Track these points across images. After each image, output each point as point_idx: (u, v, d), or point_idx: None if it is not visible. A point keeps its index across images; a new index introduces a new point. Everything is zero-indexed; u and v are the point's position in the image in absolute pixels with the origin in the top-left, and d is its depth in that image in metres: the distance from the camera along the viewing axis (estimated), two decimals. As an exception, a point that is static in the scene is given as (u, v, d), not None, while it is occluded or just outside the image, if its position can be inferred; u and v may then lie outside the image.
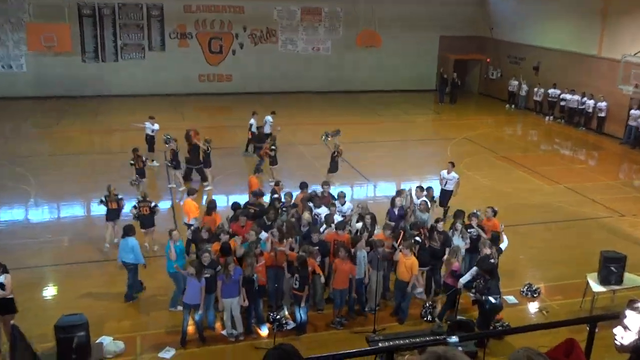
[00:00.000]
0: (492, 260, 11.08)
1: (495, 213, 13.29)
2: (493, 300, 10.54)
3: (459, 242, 12.17)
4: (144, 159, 17.61)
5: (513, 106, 33.74)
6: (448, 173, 15.81)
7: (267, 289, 11.61)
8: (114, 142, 24.47)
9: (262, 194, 14.38)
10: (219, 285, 10.75)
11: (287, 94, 35.34)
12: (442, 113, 33.14)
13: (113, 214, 14.32)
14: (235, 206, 13.40)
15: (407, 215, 13.29)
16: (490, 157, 23.77)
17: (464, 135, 27.04)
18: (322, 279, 11.54)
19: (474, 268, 11.03)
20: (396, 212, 13.45)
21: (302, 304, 11.17)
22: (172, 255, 11.45)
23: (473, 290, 10.71)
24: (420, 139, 26.34)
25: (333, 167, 18.84)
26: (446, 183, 15.84)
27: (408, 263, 11.45)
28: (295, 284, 11.14)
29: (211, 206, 13.33)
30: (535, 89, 31.74)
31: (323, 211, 13.20)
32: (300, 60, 35.81)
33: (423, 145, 25.48)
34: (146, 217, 14.02)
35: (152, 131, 21.31)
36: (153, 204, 14.21)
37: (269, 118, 22.65)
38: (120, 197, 14.43)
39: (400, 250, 11.54)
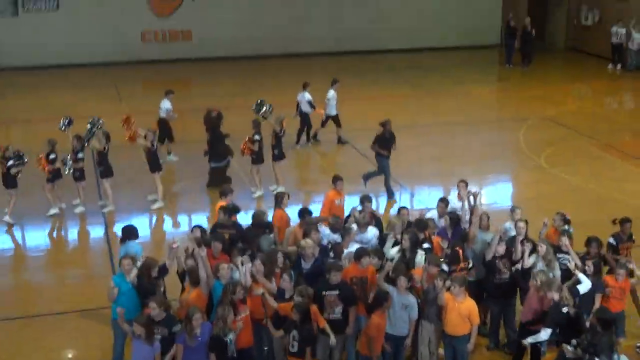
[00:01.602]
0: (564, 310, 11.17)
1: (567, 223, 13.37)
2: None
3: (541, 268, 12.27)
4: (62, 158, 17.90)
5: (619, 66, 33.74)
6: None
7: (252, 355, 11.64)
8: (12, 140, 24.50)
9: (236, 210, 14.49)
10: (180, 351, 10.79)
11: (275, 58, 35.42)
12: (510, 80, 33.11)
13: None
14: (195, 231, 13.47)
15: (468, 236, 13.33)
16: (585, 145, 23.76)
17: (545, 114, 27.04)
18: (332, 339, 11.55)
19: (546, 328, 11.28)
20: (449, 233, 13.49)
21: None
22: (110, 294, 11.62)
23: (572, 346, 10.75)
24: (478, 121, 26.34)
25: (280, 155, 19.52)
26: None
27: (463, 309, 11.50)
28: (292, 347, 11.19)
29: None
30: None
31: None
32: (295, 6, 36.03)
33: (483, 130, 25.46)
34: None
35: (166, 112, 21.98)
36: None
37: (332, 93, 23.07)
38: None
39: (448, 289, 11.57)
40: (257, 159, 19.43)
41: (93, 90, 29.97)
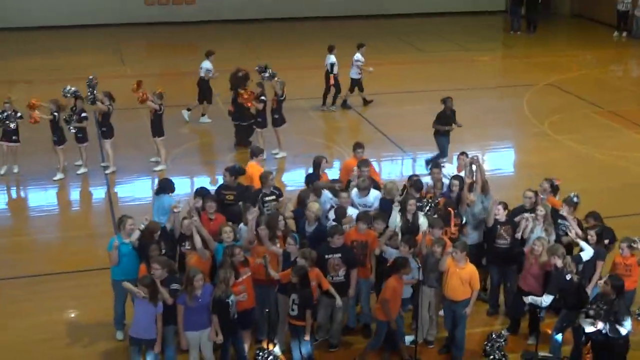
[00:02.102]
0: (568, 277, 11.18)
1: (555, 189, 13.32)
2: (625, 331, 10.56)
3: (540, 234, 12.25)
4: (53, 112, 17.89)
5: (624, 34, 33.57)
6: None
7: (254, 317, 11.67)
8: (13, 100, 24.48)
9: (242, 172, 14.45)
10: (180, 312, 10.83)
11: (282, 22, 35.29)
12: (515, 47, 32.98)
13: None
14: (201, 194, 13.44)
15: (461, 200, 13.31)
16: (589, 112, 23.70)
17: (549, 80, 26.94)
18: (338, 301, 11.59)
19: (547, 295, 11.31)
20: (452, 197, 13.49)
21: (305, 338, 11.22)
22: (112, 257, 11.65)
23: (590, 319, 10.70)
24: (482, 87, 26.25)
25: (280, 120, 19.57)
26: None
27: (464, 274, 11.52)
28: (293, 310, 11.23)
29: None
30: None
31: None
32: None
33: (488, 96, 25.39)
34: None
35: (205, 72, 21.89)
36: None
37: (358, 56, 23.04)
38: None
39: (452, 255, 11.59)
40: (262, 122, 19.36)
41: (95, 52, 29.85)
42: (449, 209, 12.75)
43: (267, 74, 19.96)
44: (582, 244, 11.94)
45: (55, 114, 17.86)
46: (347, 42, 30.46)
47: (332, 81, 23.04)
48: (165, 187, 13.51)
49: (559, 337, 11.62)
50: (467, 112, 23.75)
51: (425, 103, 24.03)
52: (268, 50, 29.78)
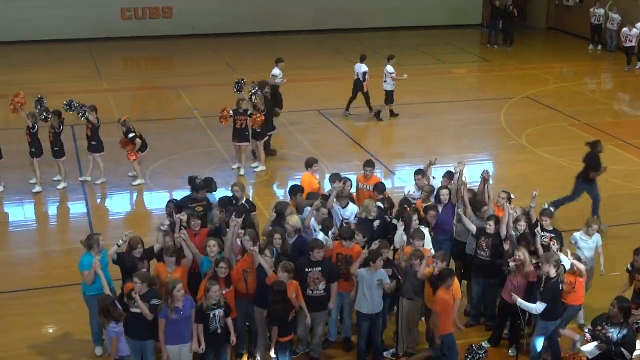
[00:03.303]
0: (562, 287, 11.27)
1: (510, 200, 13.33)
2: (631, 356, 10.55)
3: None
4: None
5: (599, 47, 33.84)
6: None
7: (235, 330, 11.69)
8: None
9: (203, 187, 14.42)
10: (162, 326, 10.82)
11: (257, 36, 35.32)
12: (493, 60, 33.17)
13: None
14: (170, 206, 13.40)
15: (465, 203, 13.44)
16: (566, 125, 23.83)
17: (526, 93, 27.12)
18: (308, 319, 11.65)
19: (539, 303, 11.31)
20: (440, 210, 13.56)
21: (271, 354, 11.26)
22: (89, 277, 11.58)
23: (596, 343, 10.65)
24: (460, 100, 26.37)
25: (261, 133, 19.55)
26: None
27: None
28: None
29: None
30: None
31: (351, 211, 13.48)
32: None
33: (465, 109, 25.50)
34: None
35: (272, 77, 22.20)
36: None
37: (390, 69, 23.50)
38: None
39: (432, 266, 11.63)
40: (261, 134, 19.47)
41: (72, 67, 29.78)
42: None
43: (242, 88, 20.18)
44: (562, 256, 12.01)
45: (36, 125, 17.82)
46: (326, 55, 30.72)
47: (366, 88, 23.66)
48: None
49: (539, 346, 11.68)
50: (445, 125, 23.97)
51: (402, 116, 24.19)
52: (244, 65, 29.84)
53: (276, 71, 22.27)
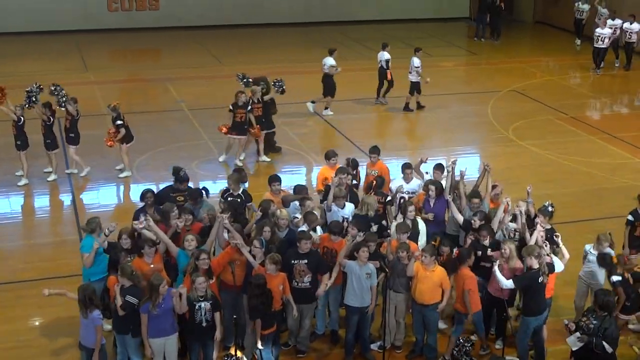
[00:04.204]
0: (540, 280, 11.25)
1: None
2: (611, 350, 10.61)
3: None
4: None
5: (579, 42, 33.79)
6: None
7: (222, 322, 11.70)
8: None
9: (186, 178, 14.46)
10: (144, 320, 10.81)
11: (243, 27, 35.27)
12: (480, 54, 33.23)
13: None
14: (149, 196, 13.41)
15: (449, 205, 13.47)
16: (553, 118, 23.95)
17: (513, 87, 27.22)
18: (295, 312, 11.69)
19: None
20: (431, 203, 13.60)
21: (258, 346, 11.24)
22: (89, 259, 11.64)
23: (577, 334, 10.74)
24: (447, 93, 26.44)
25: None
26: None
27: (435, 277, 11.62)
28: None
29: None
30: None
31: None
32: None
33: (452, 102, 25.58)
34: None
35: (329, 68, 23.36)
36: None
37: (416, 61, 23.86)
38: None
39: (420, 260, 11.67)
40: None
41: (58, 59, 29.70)
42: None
43: (243, 81, 20.23)
44: (555, 259, 12.05)
45: (21, 117, 17.75)
46: (313, 48, 30.68)
47: (389, 76, 24.34)
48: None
49: (523, 342, 11.74)
50: (432, 118, 24.04)
51: (390, 109, 24.23)
52: (230, 57, 29.87)
53: (332, 61, 23.31)
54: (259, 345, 11.27)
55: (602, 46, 29.01)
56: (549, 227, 12.68)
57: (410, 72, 23.84)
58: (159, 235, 11.65)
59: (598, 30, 29.24)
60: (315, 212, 12.95)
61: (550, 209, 12.97)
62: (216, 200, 14.19)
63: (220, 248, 12.17)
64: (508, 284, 11.36)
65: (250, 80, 20.06)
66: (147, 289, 10.78)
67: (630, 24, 29.15)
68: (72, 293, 10.92)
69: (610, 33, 28.87)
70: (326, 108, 23.68)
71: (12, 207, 17.78)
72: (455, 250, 12.03)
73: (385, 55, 24.26)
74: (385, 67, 24.27)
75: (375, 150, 15.46)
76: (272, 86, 19.98)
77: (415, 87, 24.01)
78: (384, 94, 24.80)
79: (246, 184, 14.83)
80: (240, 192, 13.93)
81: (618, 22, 29.48)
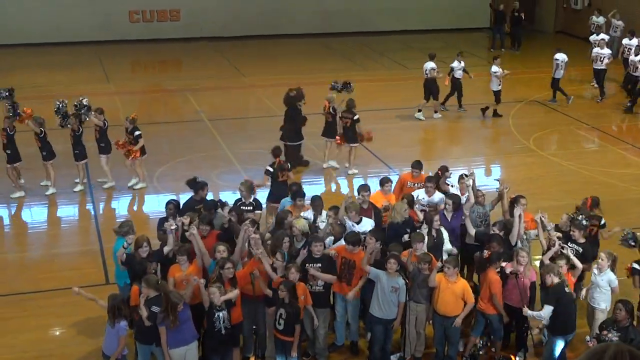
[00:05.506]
0: (567, 290, 11.23)
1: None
2: None
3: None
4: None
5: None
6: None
7: (242, 332, 11.73)
8: None
9: (203, 185, 14.44)
10: (163, 332, 10.83)
11: (264, 38, 35.44)
12: (501, 64, 33.11)
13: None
14: (170, 207, 13.46)
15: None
16: (574, 128, 23.93)
17: (534, 97, 27.13)
18: (316, 321, 11.71)
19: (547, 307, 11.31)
20: (449, 218, 13.50)
21: (292, 354, 11.27)
22: (121, 255, 11.76)
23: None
24: (468, 103, 26.42)
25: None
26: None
27: (457, 289, 11.66)
28: (279, 324, 11.28)
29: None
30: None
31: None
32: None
33: (473, 113, 25.55)
34: None
35: (431, 70, 23.97)
36: None
37: (496, 69, 24.44)
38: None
39: (442, 271, 11.67)
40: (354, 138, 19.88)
41: (80, 70, 29.91)
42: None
43: (346, 87, 20.75)
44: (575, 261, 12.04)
45: (42, 129, 17.87)
46: (333, 58, 30.75)
47: (447, 82, 24.83)
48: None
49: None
50: (453, 128, 24.03)
51: (410, 119, 24.25)
52: (251, 67, 30.00)
53: (432, 64, 24.12)
54: (293, 354, 11.31)
55: (602, 67, 27.30)
56: (582, 241, 12.63)
57: (491, 81, 24.24)
58: (198, 245, 11.71)
59: (596, 50, 27.67)
60: (321, 199, 13.46)
61: (584, 222, 12.86)
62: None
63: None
64: (545, 311, 11.28)
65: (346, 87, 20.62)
66: (164, 299, 10.80)
67: (629, 39, 28.30)
68: (103, 300, 11.02)
69: (609, 54, 27.56)
70: (435, 112, 24.27)
71: (34, 217, 17.91)
72: (486, 252, 11.94)
73: (430, 64, 24.36)
74: (427, 75, 24.26)
75: (417, 166, 15.24)
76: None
77: (497, 96, 24.30)
78: (444, 101, 25.00)
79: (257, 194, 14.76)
80: (251, 201, 14.04)
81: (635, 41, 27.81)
